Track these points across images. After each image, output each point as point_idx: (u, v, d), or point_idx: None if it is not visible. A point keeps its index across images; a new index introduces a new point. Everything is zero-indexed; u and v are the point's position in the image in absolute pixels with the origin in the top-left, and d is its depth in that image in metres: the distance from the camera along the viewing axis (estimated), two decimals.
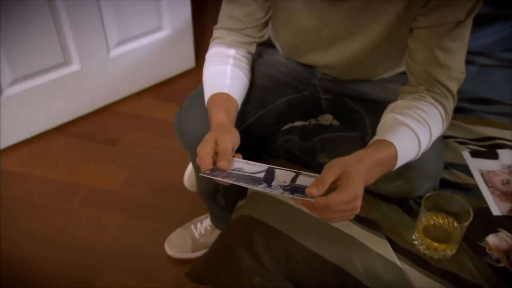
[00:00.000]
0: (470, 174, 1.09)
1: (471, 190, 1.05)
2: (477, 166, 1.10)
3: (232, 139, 0.85)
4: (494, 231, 0.98)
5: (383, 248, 0.97)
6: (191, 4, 1.99)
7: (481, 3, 0.91)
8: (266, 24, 1.10)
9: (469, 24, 0.93)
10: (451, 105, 0.96)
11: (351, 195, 0.76)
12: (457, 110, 1.21)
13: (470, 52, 1.37)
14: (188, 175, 1.55)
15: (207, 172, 0.82)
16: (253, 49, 1.11)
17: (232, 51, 1.07)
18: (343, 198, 0.75)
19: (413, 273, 0.94)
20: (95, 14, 1.74)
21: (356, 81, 1.17)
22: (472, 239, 0.96)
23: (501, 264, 0.93)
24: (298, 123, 1.29)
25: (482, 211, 1.01)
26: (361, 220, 1.01)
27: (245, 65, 1.08)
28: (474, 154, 1.13)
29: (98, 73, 1.88)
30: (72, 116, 1.92)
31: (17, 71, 1.69)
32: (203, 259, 1.16)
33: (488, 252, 0.95)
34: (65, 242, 1.52)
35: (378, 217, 1.03)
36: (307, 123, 1.31)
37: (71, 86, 1.84)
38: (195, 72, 2.13)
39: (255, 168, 0.84)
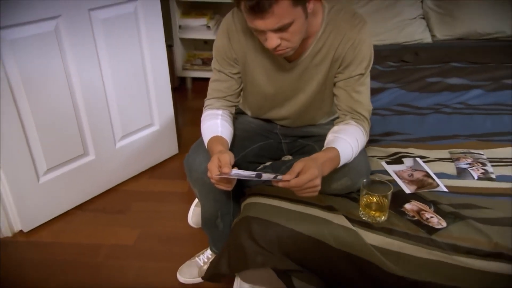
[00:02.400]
0: (388, 175, 1.42)
1: (391, 182, 1.38)
2: (391, 169, 1.44)
3: (229, 156, 1.15)
4: (408, 201, 1.29)
5: (342, 221, 1.23)
6: (173, 105, 2.29)
7: (372, 63, 1.31)
8: (240, 92, 1.43)
9: (368, 75, 1.30)
10: (367, 126, 1.31)
11: (312, 176, 1.07)
12: (375, 141, 1.59)
13: (375, 108, 1.78)
14: (191, 215, 1.75)
15: (218, 174, 1.13)
16: (233, 110, 1.42)
17: (219, 111, 1.37)
18: (307, 177, 1.07)
19: (363, 232, 1.20)
20: (106, 117, 2.00)
21: (304, 126, 1.50)
22: (396, 207, 1.27)
23: (414, 218, 1.24)
24: (269, 162, 1.60)
25: (399, 192, 1.33)
26: (325, 207, 1.27)
27: (229, 119, 1.38)
28: (389, 163, 1.48)
29: (108, 161, 2.08)
30: (88, 196, 2.08)
31: (49, 162, 1.87)
32: (215, 260, 1.35)
33: (406, 213, 1.25)
34: (95, 287, 1.66)
35: (335, 204, 1.29)
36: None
37: (88, 172, 2.02)
38: (179, 156, 2.38)
39: (248, 173, 1.16)
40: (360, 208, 1.27)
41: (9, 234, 1.90)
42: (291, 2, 1.06)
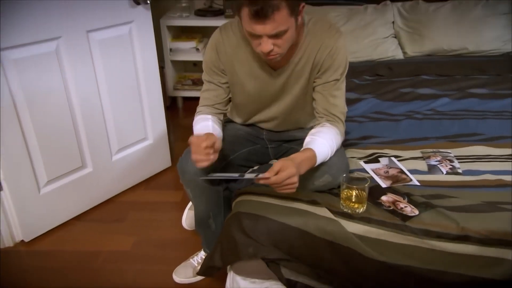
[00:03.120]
0: (366, 172, 1.50)
1: (370, 179, 1.48)
2: (369, 167, 1.53)
3: (215, 137, 1.23)
4: (384, 194, 1.38)
5: (325, 212, 1.31)
6: (166, 122, 2.37)
7: (347, 70, 1.40)
8: (227, 101, 1.51)
9: (343, 81, 1.40)
10: (341, 127, 1.39)
11: (289, 174, 1.16)
12: (353, 144, 1.69)
13: (353, 116, 1.89)
14: (185, 217, 1.81)
15: (207, 176, 1.21)
16: (221, 117, 1.51)
17: (209, 116, 1.45)
18: (285, 175, 1.15)
19: (344, 222, 1.28)
20: (103, 131, 2.06)
21: (288, 130, 1.58)
22: (373, 199, 1.35)
23: (390, 208, 1.32)
24: (256, 166, 1.67)
25: (376, 186, 1.42)
26: (309, 201, 1.35)
27: (218, 123, 1.46)
28: (366, 162, 1.56)
29: (104, 173, 2.13)
30: (87, 207, 2.12)
31: (50, 174, 1.92)
32: (208, 254, 1.41)
33: (383, 204, 1.34)
34: None
35: (318, 199, 1.36)
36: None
37: (86, 184, 2.07)
38: (171, 169, 2.45)
39: (234, 175, 1.25)
40: (341, 201, 1.35)
41: (11, 244, 1.93)
42: (288, 12, 1.16)
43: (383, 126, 1.83)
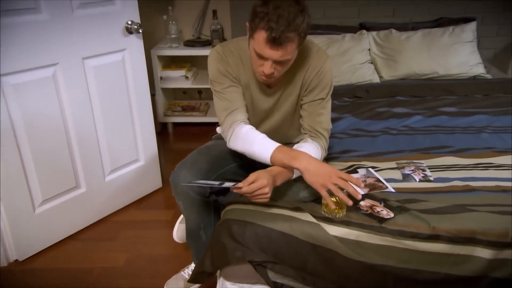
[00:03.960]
0: None
1: None
2: None
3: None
4: (362, 200, 1.45)
5: (308, 217, 1.36)
6: (157, 144, 2.42)
7: (332, 90, 1.49)
8: (247, 108, 1.47)
9: (329, 100, 1.48)
10: (324, 143, 1.47)
11: (261, 185, 1.23)
12: (334, 158, 1.77)
13: (334, 133, 1.98)
14: (176, 230, 1.84)
15: (189, 182, 1.27)
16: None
17: (247, 127, 1.40)
18: (256, 186, 1.23)
19: (325, 226, 1.33)
20: (96, 153, 2.11)
21: None
22: (352, 205, 1.39)
23: (368, 212, 1.39)
24: None
25: None
26: (293, 208, 1.40)
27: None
28: (347, 172, 1.66)
29: (98, 193, 2.17)
30: (80, 227, 2.14)
31: (45, 194, 1.95)
32: (199, 261, 1.45)
33: (361, 208, 1.41)
34: None
35: (302, 206, 1.41)
36: None
37: (80, 204, 2.10)
38: (162, 190, 2.49)
39: (214, 183, 1.32)
40: (322, 207, 1.42)
41: (5, 264, 1.94)
42: (297, 45, 1.27)
43: (361, 141, 1.92)
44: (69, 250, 2.04)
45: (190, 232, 1.63)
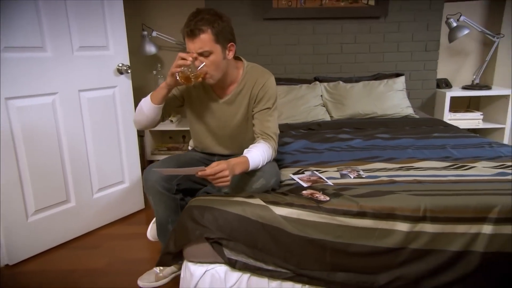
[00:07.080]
0: (294, 180, 1.65)
1: (294, 183, 1.63)
2: (296, 176, 1.68)
3: None
4: (305, 190, 1.53)
5: (258, 201, 1.40)
6: (141, 169, 2.51)
7: (276, 101, 1.62)
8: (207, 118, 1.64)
9: (274, 109, 1.59)
10: (274, 144, 1.56)
11: (221, 168, 1.30)
12: (287, 166, 1.82)
13: (288, 151, 2.08)
14: (150, 229, 1.83)
15: (161, 170, 1.34)
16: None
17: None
18: (218, 168, 1.29)
19: (273, 207, 1.39)
20: (86, 172, 2.14)
21: (235, 154, 1.71)
22: (297, 193, 1.49)
23: (308, 197, 1.45)
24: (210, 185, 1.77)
25: (300, 186, 1.57)
26: (247, 196, 1.45)
27: None
28: (294, 173, 1.72)
29: (85, 208, 2.17)
30: (68, 238, 2.12)
31: (38, 204, 1.96)
32: (165, 245, 1.45)
33: (303, 195, 1.47)
34: None
35: (254, 194, 1.45)
36: None
37: (69, 217, 2.10)
38: (144, 210, 2.49)
39: (180, 170, 1.37)
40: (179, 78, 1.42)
41: None
42: (213, 38, 1.41)
43: (310, 156, 2.02)
44: (56, 256, 2.01)
45: (159, 226, 1.64)
